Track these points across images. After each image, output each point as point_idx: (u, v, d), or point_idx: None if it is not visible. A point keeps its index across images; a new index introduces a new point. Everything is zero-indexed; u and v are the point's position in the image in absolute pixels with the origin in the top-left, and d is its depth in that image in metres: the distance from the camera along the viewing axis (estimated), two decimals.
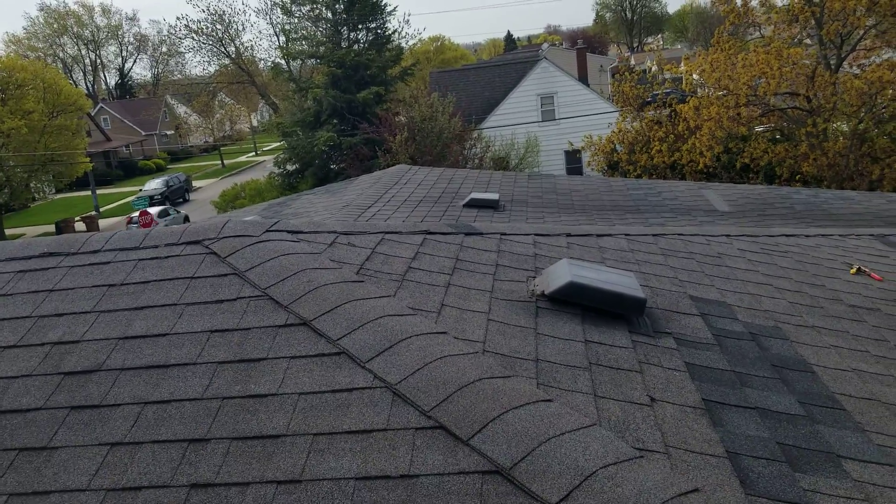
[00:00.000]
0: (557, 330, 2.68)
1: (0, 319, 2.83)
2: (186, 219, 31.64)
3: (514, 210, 7.98)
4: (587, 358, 2.48)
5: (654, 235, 4.38)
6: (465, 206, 8.02)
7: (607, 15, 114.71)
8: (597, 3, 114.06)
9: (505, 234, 3.82)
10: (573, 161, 30.25)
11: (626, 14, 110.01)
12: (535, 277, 3.17)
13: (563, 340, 2.61)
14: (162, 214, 30.80)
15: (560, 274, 2.97)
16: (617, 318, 2.88)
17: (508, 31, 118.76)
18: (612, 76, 43.23)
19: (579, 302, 2.87)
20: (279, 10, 38.97)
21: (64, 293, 2.93)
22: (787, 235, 5.06)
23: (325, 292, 2.66)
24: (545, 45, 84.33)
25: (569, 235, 4.04)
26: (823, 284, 3.94)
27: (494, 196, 8.12)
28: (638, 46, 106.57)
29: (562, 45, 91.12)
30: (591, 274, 2.98)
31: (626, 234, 4.27)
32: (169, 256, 3.03)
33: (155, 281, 2.90)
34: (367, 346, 2.34)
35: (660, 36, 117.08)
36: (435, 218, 7.47)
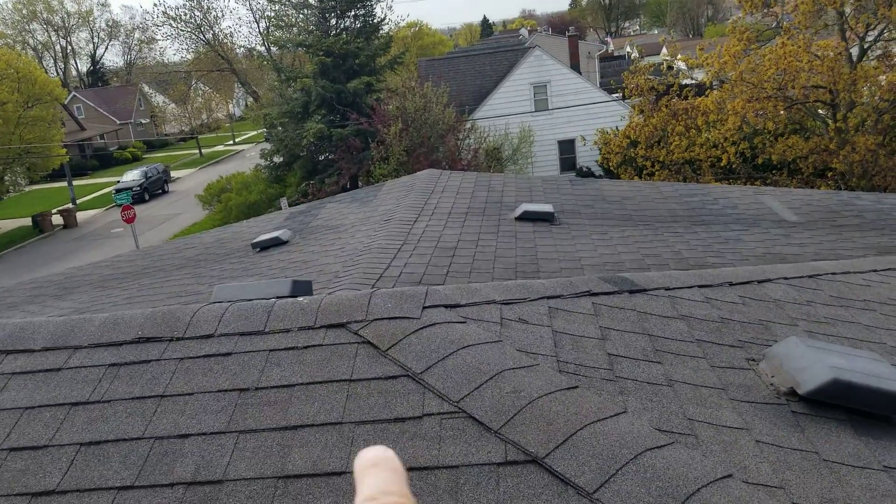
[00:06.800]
0: (842, 452, 2.08)
1: (103, 442, 2.15)
2: None
3: (571, 223, 7.36)
4: None
5: (810, 277, 3.80)
6: (517, 219, 7.39)
7: None
8: None
9: (669, 289, 3.21)
10: (567, 152, 29.72)
11: None
12: (756, 361, 2.57)
13: (861, 470, 2.01)
14: None
15: (807, 363, 2.36)
16: (880, 422, 2.30)
17: (484, 16, 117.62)
18: (601, 62, 42.77)
19: (843, 405, 2.27)
20: None
21: (181, 401, 2.26)
22: None
23: (543, 409, 2.03)
24: (523, 31, 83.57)
25: (731, 284, 3.44)
26: None
27: (548, 208, 7.49)
28: (616, 31, 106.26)
29: (539, 30, 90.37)
30: (843, 362, 2.38)
31: (785, 278, 3.68)
32: (309, 346, 2.37)
33: (301, 385, 2.24)
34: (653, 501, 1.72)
35: (637, 20, 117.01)
36: (491, 234, 6.84)
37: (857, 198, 8.63)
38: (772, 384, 2.39)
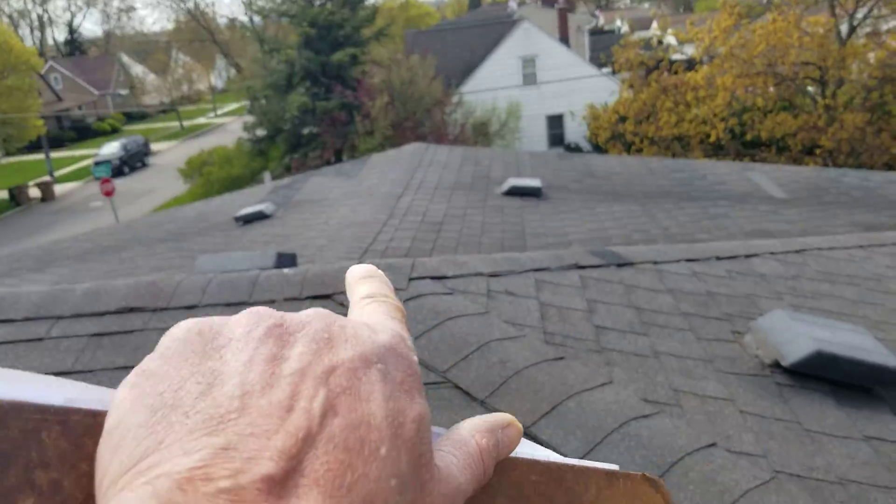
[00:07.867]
0: (824, 422, 2.10)
1: None
2: None
3: (559, 198, 7.35)
4: None
5: (796, 252, 3.82)
6: (504, 193, 7.37)
7: None
8: None
9: (657, 263, 3.21)
10: (556, 127, 29.64)
11: None
12: (741, 334, 2.58)
13: (842, 439, 2.03)
14: None
15: (791, 336, 2.38)
16: (861, 393, 2.33)
17: None
18: (590, 36, 42.46)
19: (826, 377, 2.29)
20: None
21: None
22: None
23: (530, 379, 2.03)
24: (512, 3, 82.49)
25: (718, 259, 3.45)
26: None
27: (536, 183, 7.47)
28: (606, 5, 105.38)
29: (528, 2, 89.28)
30: (827, 335, 2.40)
31: (771, 253, 3.70)
32: None
33: None
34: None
35: None
36: (478, 209, 6.81)
37: (844, 175, 8.67)
38: (756, 356, 2.41)
